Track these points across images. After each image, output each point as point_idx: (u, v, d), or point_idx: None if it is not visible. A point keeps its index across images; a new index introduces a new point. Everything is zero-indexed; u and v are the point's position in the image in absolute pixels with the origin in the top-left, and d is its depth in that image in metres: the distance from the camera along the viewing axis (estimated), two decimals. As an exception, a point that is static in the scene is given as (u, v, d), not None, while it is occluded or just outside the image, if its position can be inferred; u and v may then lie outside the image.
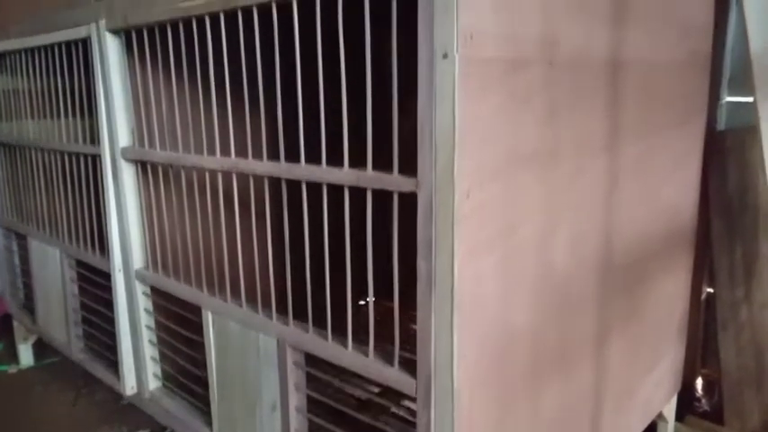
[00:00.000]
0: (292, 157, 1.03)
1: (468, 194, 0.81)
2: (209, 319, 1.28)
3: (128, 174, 1.44)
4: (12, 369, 2.22)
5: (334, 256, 1.00)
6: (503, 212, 0.88)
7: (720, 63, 1.71)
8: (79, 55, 1.52)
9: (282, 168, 1.04)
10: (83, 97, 1.54)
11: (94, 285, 1.67)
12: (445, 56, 0.76)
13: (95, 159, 1.53)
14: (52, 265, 1.83)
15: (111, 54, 1.39)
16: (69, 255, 1.75)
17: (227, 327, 1.24)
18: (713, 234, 1.74)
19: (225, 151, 1.17)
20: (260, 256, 1.15)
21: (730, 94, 1.75)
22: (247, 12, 1.03)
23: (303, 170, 1.00)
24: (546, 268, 0.99)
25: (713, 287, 1.77)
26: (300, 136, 1.00)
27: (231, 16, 1.07)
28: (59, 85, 1.63)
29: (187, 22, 1.17)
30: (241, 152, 1.14)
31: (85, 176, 1.60)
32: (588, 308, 1.14)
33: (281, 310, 1.13)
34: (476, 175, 0.82)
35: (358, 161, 0.93)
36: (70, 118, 1.63)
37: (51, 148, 1.74)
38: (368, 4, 0.85)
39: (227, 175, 1.18)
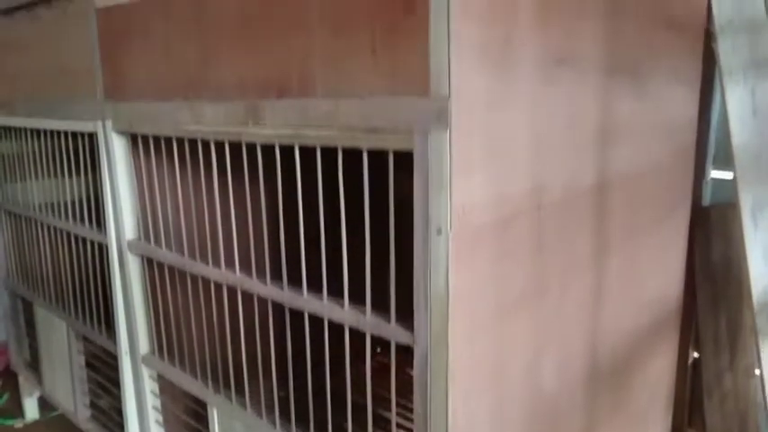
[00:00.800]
0: (296, 273, 1.07)
1: (461, 349, 0.87)
2: (214, 415, 1.33)
3: (134, 265, 1.49)
4: (18, 424, 2.27)
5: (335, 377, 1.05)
6: (493, 357, 0.94)
7: (705, 142, 1.78)
8: (85, 143, 1.57)
9: (285, 296, 1.09)
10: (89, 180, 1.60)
11: (101, 361, 1.72)
12: (439, 232, 0.82)
13: (102, 246, 1.58)
14: (59, 334, 1.88)
15: (117, 150, 1.44)
16: (76, 329, 1.80)
17: (232, 428, 1.29)
18: (699, 304, 1.81)
19: (229, 262, 1.23)
20: (263, 363, 1.21)
21: (715, 169, 1.81)
22: (252, 145, 1.09)
23: (305, 301, 1.06)
24: (535, 394, 1.06)
25: (699, 353, 1.84)
26: (303, 267, 1.06)
27: (236, 146, 1.13)
28: (66, 163, 1.68)
29: (193, 141, 1.22)
30: (245, 262, 1.19)
31: (92, 258, 1.65)
32: (576, 415, 1.20)
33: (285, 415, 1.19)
34: (468, 331, 0.88)
35: (359, 289, 0.98)
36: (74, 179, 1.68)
37: (58, 227, 1.78)
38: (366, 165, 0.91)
39: (231, 288, 1.23)
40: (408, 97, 0.82)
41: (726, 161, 1.78)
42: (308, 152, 0.99)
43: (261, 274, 1.16)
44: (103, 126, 1.45)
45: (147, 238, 1.45)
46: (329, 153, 0.96)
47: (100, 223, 1.59)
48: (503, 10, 0.85)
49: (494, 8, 0.84)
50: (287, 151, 1.02)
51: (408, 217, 0.85)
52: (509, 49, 0.87)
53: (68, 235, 1.75)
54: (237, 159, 1.13)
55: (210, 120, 1.15)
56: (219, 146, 1.16)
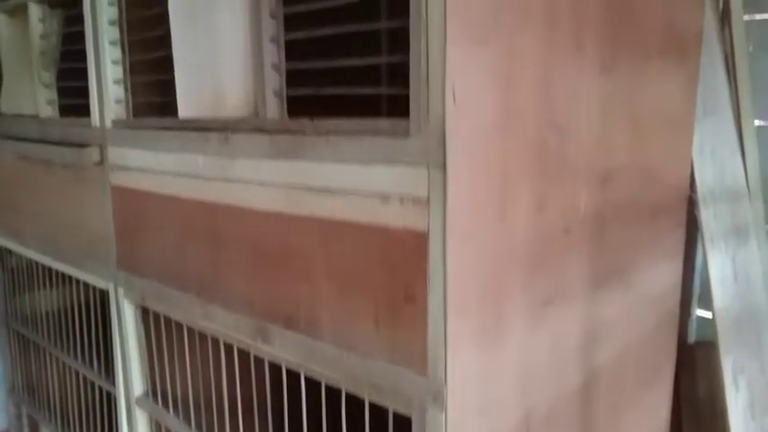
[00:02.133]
0: None
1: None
2: None
3: (142, 420, 1.55)
4: None
5: None
6: None
7: (690, 281, 1.86)
8: (96, 293, 1.64)
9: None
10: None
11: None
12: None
13: (110, 394, 1.64)
14: (64, 460, 1.93)
15: (128, 314, 1.51)
16: (82, 459, 1.85)
17: None
18: (685, 441, 1.87)
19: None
20: None
21: (700, 308, 1.89)
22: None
23: None
24: None
25: (685, 485, 1.90)
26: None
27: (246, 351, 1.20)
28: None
29: (203, 337, 1.29)
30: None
31: (100, 404, 1.71)
32: None
33: None
34: None
35: None
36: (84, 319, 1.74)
37: (66, 363, 1.84)
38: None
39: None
40: (407, 371, 0.90)
41: (710, 301, 1.86)
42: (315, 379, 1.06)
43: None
44: (116, 291, 1.52)
45: (155, 398, 1.51)
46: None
47: (108, 369, 1.65)
48: (493, 300, 0.93)
49: (485, 299, 0.92)
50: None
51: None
52: (500, 325, 0.95)
53: (77, 374, 1.81)
54: (247, 361, 1.19)
55: (221, 322, 1.22)
56: (230, 346, 1.23)
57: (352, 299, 0.96)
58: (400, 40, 0.84)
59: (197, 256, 1.26)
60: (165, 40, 1.21)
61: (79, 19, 1.46)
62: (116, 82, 1.40)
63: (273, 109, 1.04)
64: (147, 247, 1.40)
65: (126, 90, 1.40)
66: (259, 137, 1.05)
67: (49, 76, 1.67)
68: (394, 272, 0.90)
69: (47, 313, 1.99)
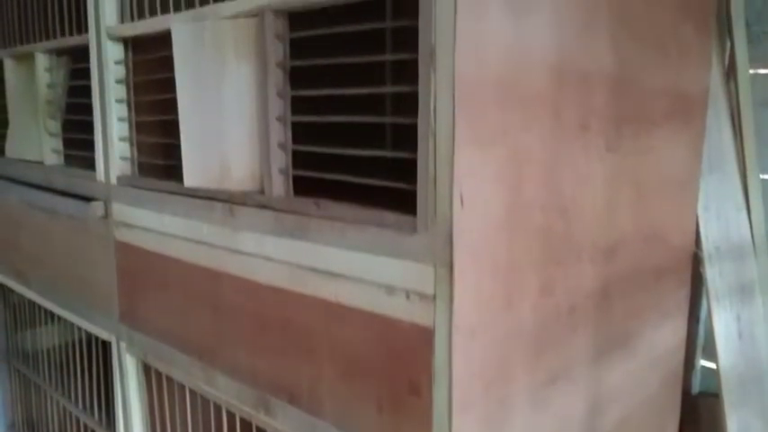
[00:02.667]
0: None
1: None
2: None
3: (142, 475, 1.54)
4: None
5: None
6: None
7: (695, 333, 1.85)
8: (99, 343, 1.63)
9: None
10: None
11: None
12: None
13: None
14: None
15: (129, 368, 1.50)
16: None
17: None
18: (688, 493, 1.86)
19: None
20: None
21: (704, 359, 1.88)
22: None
23: None
24: None
25: None
26: None
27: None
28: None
29: (205, 399, 1.29)
30: None
31: (101, 453, 1.70)
32: None
33: None
34: None
35: None
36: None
37: (66, 408, 1.84)
38: None
39: None
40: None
41: (714, 352, 1.85)
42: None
43: None
44: (117, 344, 1.51)
45: (156, 454, 1.51)
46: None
47: (109, 418, 1.65)
48: (498, 389, 0.93)
49: (490, 389, 0.91)
50: None
51: None
52: (505, 412, 0.94)
53: (77, 420, 1.80)
54: (249, 429, 1.19)
55: (223, 389, 1.21)
56: (232, 414, 1.23)
57: (355, 383, 0.96)
58: (406, 104, 0.83)
59: (200, 320, 1.25)
60: (172, 104, 1.22)
61: (86, 73, 1.46)
62: (122, 139, 1.40)
63: (279, 186, 1.04)
64: (150, 304, 1.40)
65: (132, 146, 1.41)
66: (264, 213, 1.05)
67: (54, 125, 1.67)
68: (398, 362, 0.89)
69: (48, 350, 1.99)
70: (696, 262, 1.62)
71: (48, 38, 1.62)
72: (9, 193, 1.85)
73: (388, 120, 0.90)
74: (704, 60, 1.45)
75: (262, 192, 1.06)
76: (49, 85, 1.66)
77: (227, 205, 1.12)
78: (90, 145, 1.49)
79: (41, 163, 1.71)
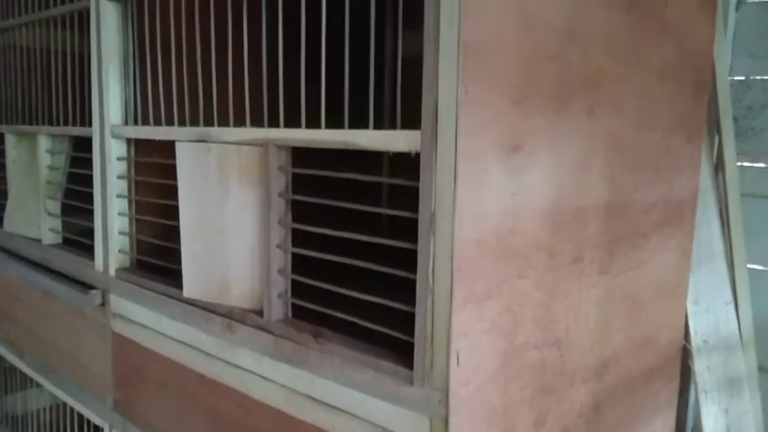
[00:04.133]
0: None
1: None
2: None
3: None
4: None
5: None
6: None
7: (683, 421, 1.86)
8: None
9: None
10: None
11: None
12: None
13: None
14: None
15: None
16: None
17: None
18: None
19: None
20: None
21: None
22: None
23: None
24: None
25: None
26: None
27: None
28: None
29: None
30: None
31: None
32: None
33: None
34: None
35: None
36: None
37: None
38: None
39: None
40: None
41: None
42: None
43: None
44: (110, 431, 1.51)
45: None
46: None
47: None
48: None
49: None
50: None
51: None
52: None
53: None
54: None
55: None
56: None
57: None
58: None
59: (195, 424, 1.26)
60: (173, 210, 1.24)
61: (87, 162, 1.48)
62: (122, 233, 1.42)
63: (278, 311, 1.06)
64: (144, 399, 1.40)
65: (131, 239, 1.42)
66: (263, 335, 1.07)
67: (54, 206, 1.68)
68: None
69: (38, 411, 1.98)
70: (685, 354, 1.64)
71: (51, 123, 1.65)
72: (7, 266, 1.85)
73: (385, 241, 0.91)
74: (695, 165, 1.49)
75: (261, 313, 1.08)
76: (50, 167, 1.68)
77: (226, 320, 1.14)
78: (89, 231, 1.50)
79: (40, 241, 1.72)
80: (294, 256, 1.06)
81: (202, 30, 1.18)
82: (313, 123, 0.97)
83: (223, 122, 1.14)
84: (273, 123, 1.04)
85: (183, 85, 1.25)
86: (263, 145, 1.03)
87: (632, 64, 1.14)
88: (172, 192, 1.24)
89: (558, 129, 0.95)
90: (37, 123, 1.71)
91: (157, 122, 1.28)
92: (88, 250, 1.53)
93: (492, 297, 0.86)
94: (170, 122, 1.25)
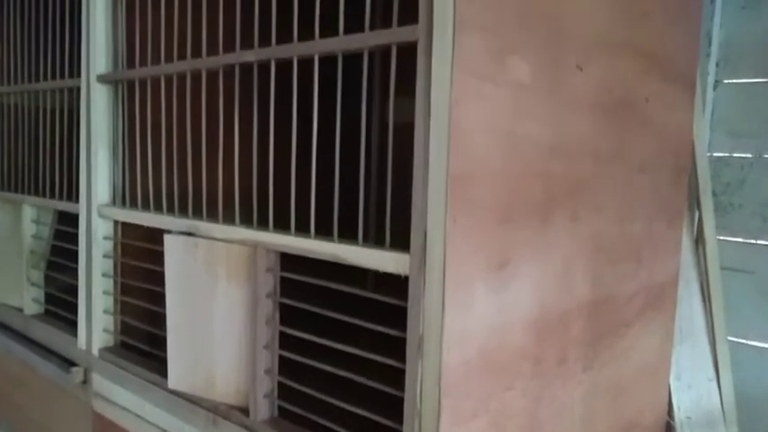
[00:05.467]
0: None
1: None
2: None
3: None
4: None
5: None
6: None
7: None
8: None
9: None
10: None
11: None
12: None
13: None
14: None
15: None
16: None
17: None
18: None
19: None
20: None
21: None
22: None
23: None
24: None
25: None
26: None
27: None
28: None
29: None
30: None
31: None
32: None
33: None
34: None
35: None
36: None
37: None
38: None
39: None
40: None
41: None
42: None
43: None
44: None
45: None
46: None
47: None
48: None
49: None
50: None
51: None
52: None
53: None
54: None
55: None
56: None
57: None
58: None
59: None
60: (160, 296, 1.23)
61: (73, 237, 1.48)
62: (105, 311, 1.41)
63: (264, 411, 1.05)
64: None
65: (115, 315, 1.41)
66: (248, 434, 1.06)
67: (37, 275, 1.67)
68: None
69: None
70: (669, 430, 1.65)
71: (37, 193, 1.64)
72: (-14, 332, 1.82)
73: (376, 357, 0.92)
74: (676, 246, 1.52)
75: (246, 412, 1.07)
76: (35, 236, 1.67)
77: (211, 415, 1.13)
78: (73, 306, 1.49)
79: (21, 311, 1.70)
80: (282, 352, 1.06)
81: (193, 116, 1.19)
82: (302, 222, 0.98)
83: (212, 211, 1.14)
84: (262, 221, 1.05)
85: (173, 169, 1.25)
86: (251, 246, 1.04)
87: (614, 162, 1.17)
88: (158, 277, 1.23)
89: (542, 239, 0.96)
90: (23, 190, 1.70)
91: (145, 204, 1.28)
92: (71, 323, 1.52)
93: (478, 415, 0.87)
94: (158, 206, 1.25)
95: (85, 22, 1.38)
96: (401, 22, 0.82)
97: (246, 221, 1.08)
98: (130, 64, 1.34)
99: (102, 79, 1.35)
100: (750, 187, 1.76)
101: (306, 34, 0.95)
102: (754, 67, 1.75)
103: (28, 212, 1.66)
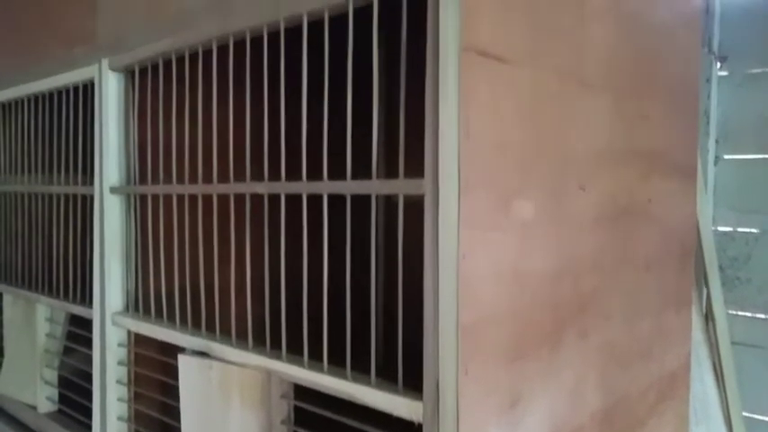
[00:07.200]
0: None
1: None
2: None
3: None
4: None
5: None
6: None
7: None
8: None
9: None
10: None
11: None
12: None
13: None
14: None
15: None
16: None
17: None
18: None
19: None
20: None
21: None
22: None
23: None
24: None
25: None
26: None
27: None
28: None
29: None
30: None
31: None
32: None
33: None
34: None
35: None
36: None
37: None
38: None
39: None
40: None
41: None
42: None
43: None
44: None
45: None
46: None
47: None
48: None
49: None
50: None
51: None
52: None
53: None
54: None
55: None
56: None
57: None
58: None
59: None
60: (175, 410, 1.24)
61: (86, 340, 1.49)
62: (120, 419, 1.41)
63: None
64: None
65: (129, 426, 1.42)
66: None
67: (51, 374, 1.68)
68: None
69: None
70: None
71: (51, 292, 1.66)
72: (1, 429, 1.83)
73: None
74: (686, 333, 1.52)
75: None
76: (48, 335, 1.68)
77: None
78: (87, 407, 1.50)
79: (35, 409, 1.71)
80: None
81: (205, 227, 1.21)
82: (315, 349, 0.99)
83: (225, 326, 1.16)
84: (275, 343, 1.06)
85: (185, 281, 1.28)
86: (265, 373, 1.05)
87: (620, 268, 1.19)
88: (172, 388, 1.24)
89: (552, 367, 0.97)
90: (36, 287, 1.73)
91: (159, 314, 1.30)
92: (86, 427, 1.52)
93: None
94: (171, 318, 1.27)
95: (98, 132, 1.43)
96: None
97: (259, 343, 1.09)
98: (142, 176, 1.37)
99: (114, 191, 1.39)
100: (756, 262, 1.77)
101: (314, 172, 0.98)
102: (753, 144, 1.77)
103: (42, 311, 1.68)
